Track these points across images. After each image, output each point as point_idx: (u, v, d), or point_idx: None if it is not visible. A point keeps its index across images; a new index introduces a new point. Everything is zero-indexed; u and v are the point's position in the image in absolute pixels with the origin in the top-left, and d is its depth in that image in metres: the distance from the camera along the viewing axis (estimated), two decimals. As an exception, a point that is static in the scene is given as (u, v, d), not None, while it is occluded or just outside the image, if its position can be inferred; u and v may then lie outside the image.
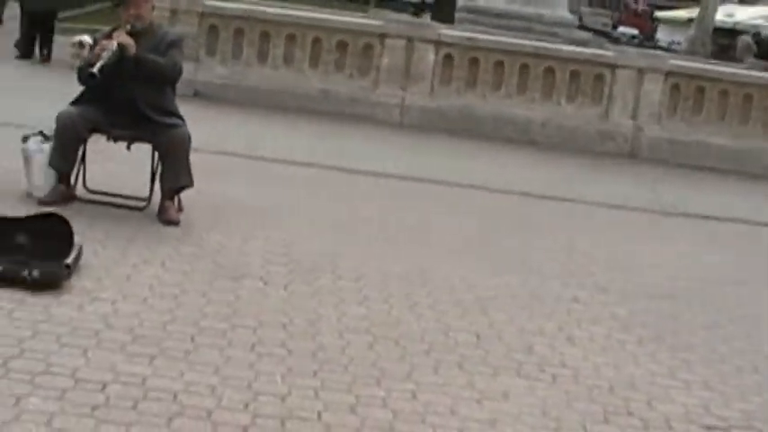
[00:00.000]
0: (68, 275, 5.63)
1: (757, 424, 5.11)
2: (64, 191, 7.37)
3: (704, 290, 7.70)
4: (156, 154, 7.48)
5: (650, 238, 9.56)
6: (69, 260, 5.67)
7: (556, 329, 6.20)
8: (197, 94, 13.77)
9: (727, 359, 6.09)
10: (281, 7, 14.68)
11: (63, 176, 7.38)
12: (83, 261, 5.98)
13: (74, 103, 7.40)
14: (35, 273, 5.40)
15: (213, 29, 13.94)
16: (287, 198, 8.86)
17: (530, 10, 18.44)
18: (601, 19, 52.29)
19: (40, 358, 4.55)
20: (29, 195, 7.34)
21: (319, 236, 7.63)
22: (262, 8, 14.42)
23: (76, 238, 5.89)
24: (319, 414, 4.44)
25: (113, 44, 7.21)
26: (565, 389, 5.21)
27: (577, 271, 7.73)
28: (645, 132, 14.38)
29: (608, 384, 5.37)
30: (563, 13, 19.31)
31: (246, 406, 4.40)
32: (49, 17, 15.55)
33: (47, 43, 15.53)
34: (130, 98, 7.30)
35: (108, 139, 7.58)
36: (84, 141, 7.42)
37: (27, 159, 7.42)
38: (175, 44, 7.53)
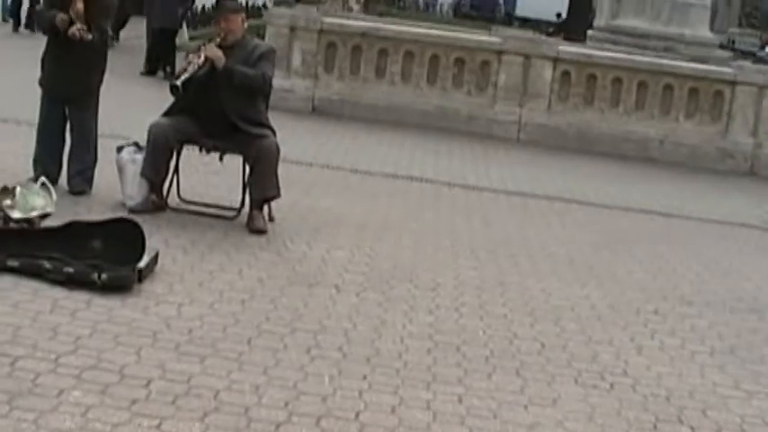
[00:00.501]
0: (140, 280, 5.82)
1: (816, 436, 4.98)
2: (156, 200, 7.59)
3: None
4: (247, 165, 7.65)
5: (753, 254, 9.34)
6: (141, 265, 5.85)
7: (627, 340, 6.14)
8: (315, 110, 14.00)
9: (800, 372, 5.94)
10: (399, 24, 14.80)
11: (155, 186, 7.60)
12: (159, 267, 6.17)
13: (166, 114, 7.65)
14: (104, 276, 5.60)
15: (332, 46, 14.16)
16: (389, 212, 8.91)
17: (672, 30, 18.23)
18: (750, 39, 51.14)
19: (92, 355, 4.74)
20: (123, 205, 7.57)
21: (409, 248, 7.69)
22: (380, 25, 14.56)
23: (154, 245, 6.08)
24: (357, 414, 4.51)
25: (201, 58, 7.43)
26: (619, 396, 5.17)
27: (666, 284, 7.62)
28: (765, 150, 14.05)
29: (666, 393, 5.31)
30: (704, 32, 19.01)
31: (286, 404, 4.50)
32: (170, 34, 15.96)
33: (169, 60, 15.94)
34: (220, 109, 7.50)
35: (201, 150, 7.79)
36: (176, 152, 7.64)
37: (120, 169, 7.67)
38: (265, 56, 7.71)
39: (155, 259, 6.15)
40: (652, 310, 6.89)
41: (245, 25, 7.84)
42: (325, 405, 4.54)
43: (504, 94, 14.12)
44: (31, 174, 7.78)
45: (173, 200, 7.81)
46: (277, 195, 7.63)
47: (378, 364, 5.15)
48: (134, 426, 4.09)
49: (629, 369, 5.61)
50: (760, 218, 11.13)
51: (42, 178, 6.47)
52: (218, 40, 7.63)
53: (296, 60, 14.05)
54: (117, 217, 6.12)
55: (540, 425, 4.66)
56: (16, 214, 6.08)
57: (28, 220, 6.13)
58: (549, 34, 26.35)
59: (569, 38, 22.02)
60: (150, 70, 15.94)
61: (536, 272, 7.49)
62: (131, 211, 7.45)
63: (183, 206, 7.81)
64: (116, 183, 7.77)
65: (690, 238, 9.65)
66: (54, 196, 6.44)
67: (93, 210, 7.35)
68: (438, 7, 60.92)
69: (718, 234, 10.16)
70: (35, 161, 7.92)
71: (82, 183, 7.84)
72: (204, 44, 7.66)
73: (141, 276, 5.86)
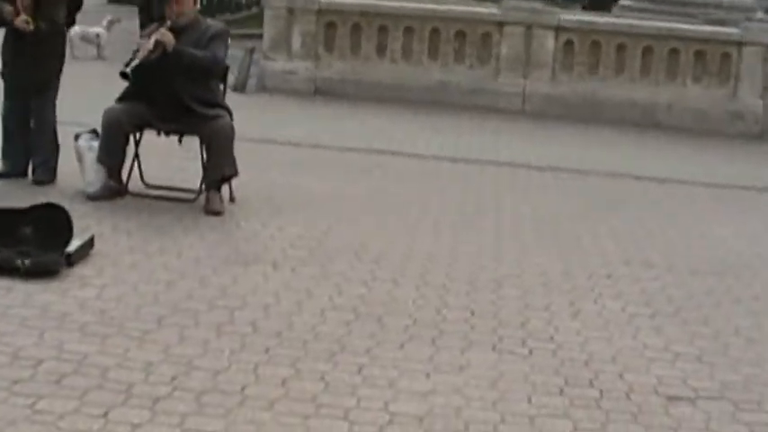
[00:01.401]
0: (70, 264, 5.84)
1: (732, 395, 4.87)
2: (114, 186, 7.62)
3: (763, 267, 7.36)
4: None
5: (739, 216, 9.15)
6: (71, 249, 5.87)
7: (566, 305, 6.07)
8: (317, 92, 13.98)
9: (742, 332, 5.83)
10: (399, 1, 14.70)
11: (112, 172, 7.63)
12: (97, 251, 6.19)
13: (120, 99, 7.66)
14: (28, 262, 5.62)
15: (331, 26, 14.11)
16: (369, 189, 8.83)
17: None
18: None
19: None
20: (84, 192, 7.60)
21: (372, 223, 7.63)
22: (378, 2, 14.48)
23: (102, 230, 6.12)
24: (243, 387, 4.49)
25: (150, 42, 7.43)
26: (534, 362, 5.09)
27: (632, 250, 7.50)
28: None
29: (586, 358, 5.23)
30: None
31: (173, 379, 4.48)
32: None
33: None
34: (173, 92, 7.50)
35: (158, 133, 7.80)
36: (131, 137, 7.66)
37: (79, 157, 7.70)
38: (217, 37, 7.68)
39: (89, 243, 6.17)
40: (605, 274, 6.79)
41: (197, 7, 7.80)
42: (214, 380, 4.52)
43: (507, 65, 13.99)
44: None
45: (136, 185, 7.81)
46: (234, 174, 7.62)
47: (286, 338, 5.12)
48: (10, 405, 4.09)
49: (557, 335, 5.53)
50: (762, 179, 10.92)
51: None
52: (168, 23, 7.62)
53: (296, 42, 14.03)
54: (44, 203, 6.11)
55: (436, 392, 4.60)
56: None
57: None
58: (584, 8, 26.04)
59: (593, 9, 21.76)
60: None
61: (498, 242, 7.42)
62: (90, 197, 7.50)
63: (145, 191, 7.82)
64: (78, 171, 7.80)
65: (677, 203, 9.51)
66: None
67: (52, 198, 7.36)
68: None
69: (711, 197, 10.00)
70: (2, 154, 7.99)
71: (44, 172, 7.89)
72: (155, 29, 7.64)
73: (71, 261, 5.87)
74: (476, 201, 8.76)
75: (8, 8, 7.57)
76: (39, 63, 7.74)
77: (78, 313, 5.20)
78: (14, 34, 7.72)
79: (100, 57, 16.32)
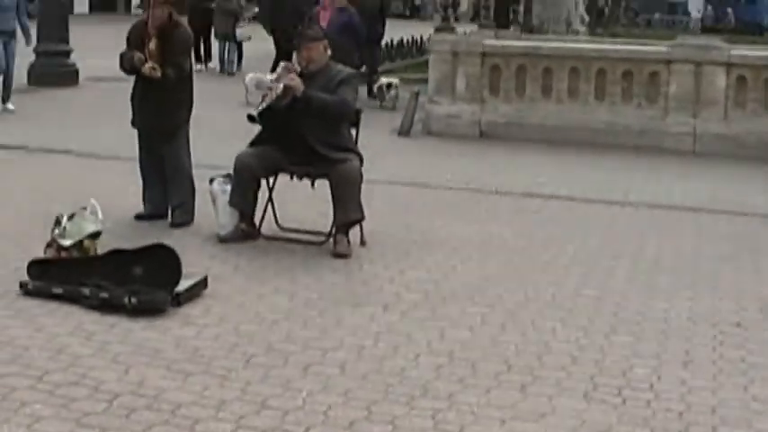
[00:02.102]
0: (179, 303, 5.98)
1: None
2: (245, 229, 7.77)
3: None
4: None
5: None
6: (180, 289, 6.02)
7: (680, 353, 5.82)
8: (482, 135, 13.95)
9: None
10: (562, 42, 14.56)
11: (244, 215, 7.78)
12: (211, 291, 6.32)
13: (252, 144, 7.83)
14: (134, 300, 5.79)
15: (495, 68, 14.06)
16: (517, 233, 8.61)
17: None
18: None
19: (77, 372, 4.96)
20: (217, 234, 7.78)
21: (500, 267, 7.49)
22: (542, 44, 14.35)
23: (223, 271, 6.55)
24: (307, 428, 4.46)
25: (279, 87, 7.58)
26: (624, 411, 4.90)
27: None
28: None
29: (683, 408, 5.02)
30: None
31: (240, 418, 4.51)
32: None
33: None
34: (302, 136, 7.62)
35: (291, 177, 7.93)
36: (267, 180, 7.82)
37: (213, 200, 7.89)
38: (345, 82, 7.78)
39: (202, 283, 6.31)
40: (735, 322, 6.48)
41: (328, 52, 7.91)
42: (281, 419, 4.53)
43: (676, 104, 13.63)
44: (141, 209, 8.17)
45: (270, 228, 7.93)
46: (360, 218, 7.66)
47: (371, 380, 5.10)
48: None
49: (659, 384, 5.32)
50: None
51: (93, 201, 6.71)
52: (297, 68, 7.76)
53: (460, 85, 14.04)
54: (155, 244, 6.28)
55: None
56: (67, 242, 6.37)
57: (79, 244, 6.40)
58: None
59: None
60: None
61: (628, 286, 7.18)
62: (221, 240, 7.68)
63: (280, 234, 7.94)
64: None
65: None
66: (101, 216, 6.67)
67: (185, 239, 7.60)
68: (685, 22, 59.74)
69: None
70: (143, 198, 8.27)
71: (182, 215, 8.12)
72: (284, 70, 7.77)
73: (180, 300, 6.01)
74: (619, 244, 8.48)
75: (138, 55, 7.86)
76: (166, 110, 8.01)
77: (171, 351, 5.32)
78: (143, 82, 8.00)
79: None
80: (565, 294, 6.85)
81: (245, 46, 21.82)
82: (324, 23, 15.85)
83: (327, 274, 7.00)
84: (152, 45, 7.87)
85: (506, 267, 7.49)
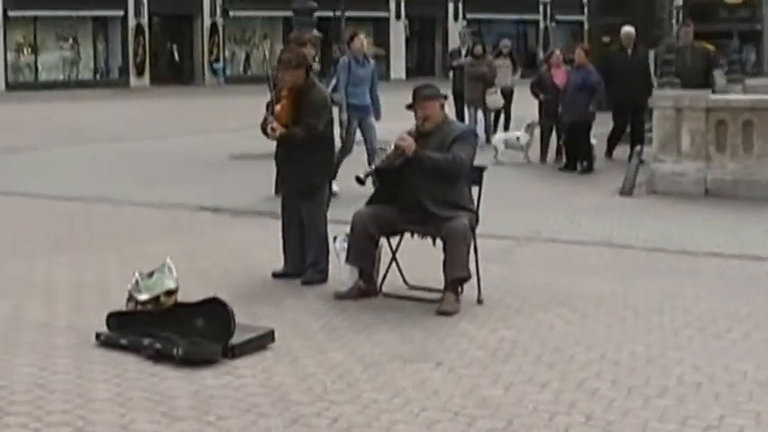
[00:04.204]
0: (233, 356, 6.29)
1: None
2: (362, 287, 7.99)
3: None
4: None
5: None
6: (234, 341, 6.33)
7: (752, 415, 5.49)
8: (708, 193, 13.47)
9: None
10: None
11: (363, 273, 8.00)
12: (277, 345, 6.59)
13: (369, 202, 8.05)
14: (181, 351, 6.15)
15: (721, 123, 13.54)
16: (653, 292, 8.29)
17: None
18: None
19: (84, 416, 5.38)
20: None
21: (603, 327, 7.33)
22: (769, 97, 13.67)
23: (317, 327, 6.99)
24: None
25: (390, 147, 7.80)
26: None
27: None
28: None
29: None
30: None
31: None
32: (581, 128, 15.79)
33: (584, 153, 15.87)
34: (415, 195, 7.80)
35: (411, 235, 8.09)
36: (382, 238, 8.02)
37: (337, 257, 8.16)
38: (460, 138, 7.88)
39: (266, 337, 6.59)
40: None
41: (444, 111, 8.04)
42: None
43: None
44: (281, 266, 8.57)
45: (393, 285, 8.08)
46: (466, 277, 7.72)
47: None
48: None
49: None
50: None
51: (168, 260, 7.12)
52: (414, 128, 7.95)
53: (685, 142, 13.62)
54: (211, 297, 6.60)
55: None
56: (143, 296, 6.82)
57: (155, 300, 6.83)
58: None
59: None
60: (567, 165, 16.10)
61: (724, 348, 6.82)
62: (336, 296, 7.93)
63: (401, 292, 8.07)
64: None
65: None
66: (175, 274, 7.06)
67: (305, 296, 7.93)
68: None
69: None
70: (283, 256, 8.66)
71: (313, 274, 8.43)
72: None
73: (234, 353, 6.31)
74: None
75: (269, 118, 8.28)
76: (302, 169, 8.34)
77: (186, 398, 5.63)
78: (280, 144, 8.41)
79: (525, 159, 16.87)
80: (639, 358, 6.58)
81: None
82: (557, 81, 16.08)
83: (412, 331, 7.09)
84: (278, 107, 8.28)
85: (605, 328, 7.28)
